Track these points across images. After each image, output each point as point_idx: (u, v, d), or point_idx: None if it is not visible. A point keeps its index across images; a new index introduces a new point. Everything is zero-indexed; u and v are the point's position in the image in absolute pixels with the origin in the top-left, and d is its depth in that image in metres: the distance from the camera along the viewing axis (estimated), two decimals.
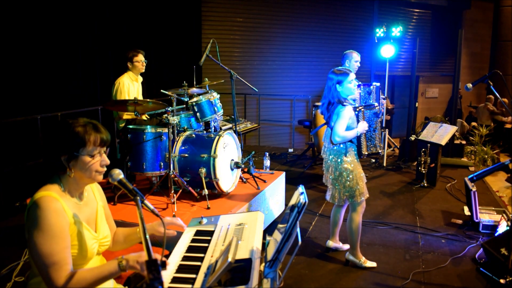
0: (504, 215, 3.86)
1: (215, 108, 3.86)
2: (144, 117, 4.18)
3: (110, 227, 1.80)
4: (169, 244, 1.73)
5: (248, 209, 3.50)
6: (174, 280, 1.50)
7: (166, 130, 3.54)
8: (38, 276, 1.53)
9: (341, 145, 3.06)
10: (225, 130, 3.87)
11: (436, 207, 4.55)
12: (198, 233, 1.86)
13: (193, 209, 3.39)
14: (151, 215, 1.55)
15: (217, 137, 3.55)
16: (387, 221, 4.15)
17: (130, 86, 4.16)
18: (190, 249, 1.72)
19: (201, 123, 3.94)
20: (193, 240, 1.79)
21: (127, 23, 5.93)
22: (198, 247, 1.73)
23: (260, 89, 5.65)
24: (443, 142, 5.12)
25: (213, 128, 3.99)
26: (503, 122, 9.85)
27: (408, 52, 10.47)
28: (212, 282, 1.34)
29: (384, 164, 6.30)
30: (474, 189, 3.92)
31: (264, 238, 1.72)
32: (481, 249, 3.32)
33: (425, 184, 5.27)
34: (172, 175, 3.44)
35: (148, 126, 3.63)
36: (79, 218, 1.59)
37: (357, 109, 3.24)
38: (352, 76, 3.02)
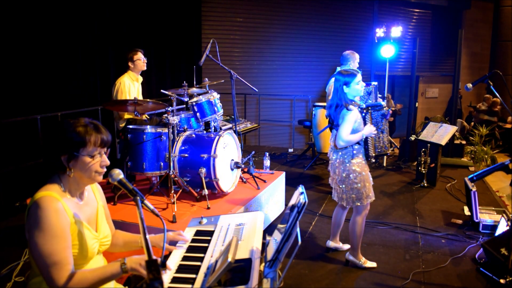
0: (504, 215, 3.86)
1: (215, 108, 3.86)
2: (144, 117, 4.19)
3: (109, 227, 1.80)
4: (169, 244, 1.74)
5: (248, 209, 3.49)
6: (174, 280, 1.50)
7: (166, 130, 3.54)
8: (38, 276, 1.53)
9: (349, 147, 3.01)
10: (225, 130, 3.87)
11: (436, 207, 4.55)
12: (198, 233, 1.86)
13: (193, 209, 3.39)
14: (151, 215, 1.55)
15: (217, 137, 3.55)
16: (387, 221, 4.15)
17: (130, 86, 4.17)
18: (190, 249, 1.72)
19: (201, 123, 3.94)
20: (193, 240, 1.79)
21: (127, 23, 5.93)
22: (198, 247, 1.73)
23: (260, 89, 5.65)
24: (443, 142, 5.12)
25: (213, 128, 3.99)
26: (492, 121, 9.87)
27: (408, 52, 10.48)
28: (212, 282, 1.34)
29: (384, 164, 6.31)
30: (474, 189, 3.93)
31: (264, 238, 1.72)
32: (481, 249, 3.32)
33: (425, 184, 5.27)
34: (172, 175, 3.44)
35: (148, 126, 3.63)
36: (79, 218, 1.59)
37: (364, 111, 3.20)
38: (360, 77, 2.96)
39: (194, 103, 3.80)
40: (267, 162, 4.65)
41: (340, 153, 3.06)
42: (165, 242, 1.53)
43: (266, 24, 8.93)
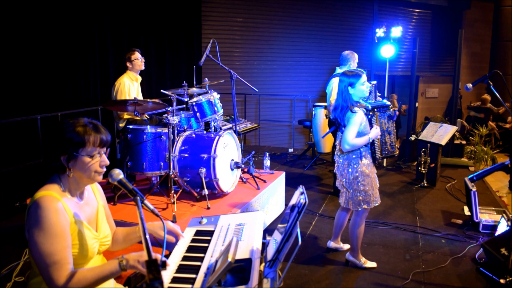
0: (504, 215, 3.86)
1: (215, 108, 3.86)
2: (144, 117, 4.19)
3: (110, 226, 1.81)
4: (169, 244, 1.73)
5: (248, 209, 3.49)
6: (174, 280, 1.50)
7: (166, 130, 3.54)
8: (38, 276, 1.53)
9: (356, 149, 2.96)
10: (225, 130, 3.88)
11: (436, 207, 4.55)
12: (198, 233, 1.86)
13: (193, 209, 3.39)
14: (151, 215, 1.55)
15: (217, 137, 3.55)
16: (387, 221, 4.15)
17: (130, 86, 4.17)
18: (190, 249, 1.72)
19: (201, 123, 3.94)
20: (193, 240, 1.79)
21: (127, 23, 5.93)
22: (198, 247, 1.73)
23: (260, 89, 5.65)
24: (443, 142, 5.12)
25: (213, 128, 3.99)
26: (479, 118, 9.91)
27: (408, 52, 10.47)
28: (212, 282, 1.34)
29: (384, 164, 6.30)
30: (474, 189, 3.93)
31: (264, 238, 1.72)
32: (481, 249, 3.32)
33: (425, 184, 5.27)
34: (172, 175, 3.44)
35: (148, 126, 3.64)
36: (79, 218, 1.59)
37: (370, 113, 3.13)
38: (365, 77, 2.92)
39: (194, 103, 3.80)
40: (267, 162, 4.65)
41: (347, 155, 3.02)
42: (165, 242, 1.53)
43: (266, 24, 8.93)
